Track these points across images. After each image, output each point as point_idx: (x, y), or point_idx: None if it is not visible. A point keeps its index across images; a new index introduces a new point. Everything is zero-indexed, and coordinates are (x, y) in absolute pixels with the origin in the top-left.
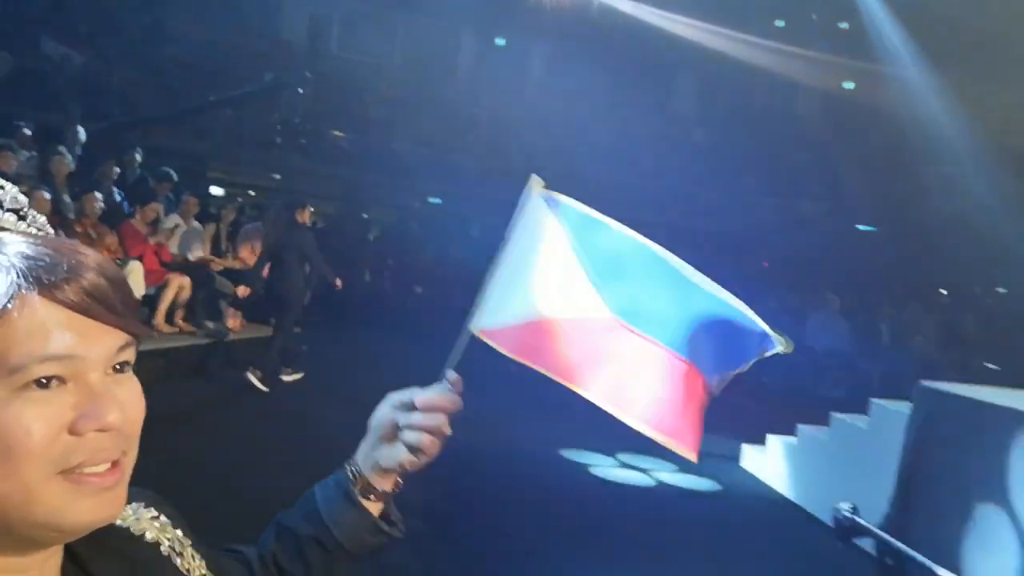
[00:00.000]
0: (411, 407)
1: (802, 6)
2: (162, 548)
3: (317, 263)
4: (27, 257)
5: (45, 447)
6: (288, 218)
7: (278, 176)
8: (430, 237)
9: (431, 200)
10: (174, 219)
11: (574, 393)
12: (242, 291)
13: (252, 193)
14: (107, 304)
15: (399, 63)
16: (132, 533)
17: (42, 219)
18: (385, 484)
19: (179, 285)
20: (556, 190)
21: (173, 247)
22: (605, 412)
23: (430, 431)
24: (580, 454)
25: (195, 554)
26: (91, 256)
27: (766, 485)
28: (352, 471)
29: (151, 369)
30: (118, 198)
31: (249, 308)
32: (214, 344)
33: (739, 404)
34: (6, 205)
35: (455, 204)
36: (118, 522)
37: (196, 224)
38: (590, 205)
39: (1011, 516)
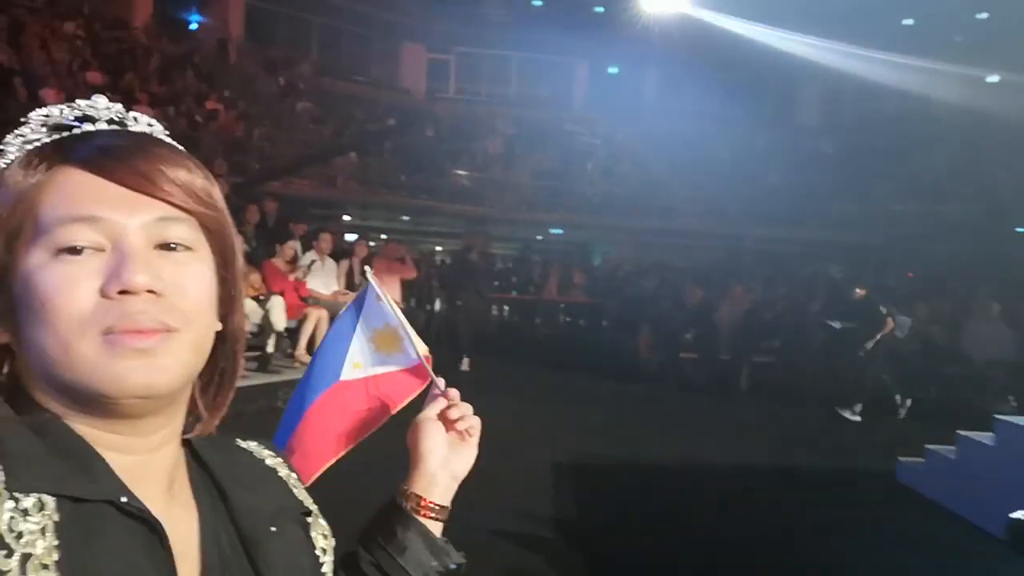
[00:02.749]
0: (447, 407)
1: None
2: (280, 473)
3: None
4: (76, 137)
5: (74, 305)
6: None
7: (406, 217)
8: (551, 268)
9: (552, 231)
10: (310, 256)
11: None
12: None
13: (384, 237)
14: (146, 175)
15: (514, 100)
16: (254, 455)
17: (143, 122)
18: (446, 499)
19: (317, 318)
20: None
21: (309, 283)
22: None
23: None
24: None
25: (305, 493)
26: (159, 143)
27: (925, 498)
28: (405, 495)
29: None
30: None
31: None
32: None
33: (892, 420)
34: (108, 118)
35: (576, 233)
36: (242, 445)
37: (330, 260)
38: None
39: None
